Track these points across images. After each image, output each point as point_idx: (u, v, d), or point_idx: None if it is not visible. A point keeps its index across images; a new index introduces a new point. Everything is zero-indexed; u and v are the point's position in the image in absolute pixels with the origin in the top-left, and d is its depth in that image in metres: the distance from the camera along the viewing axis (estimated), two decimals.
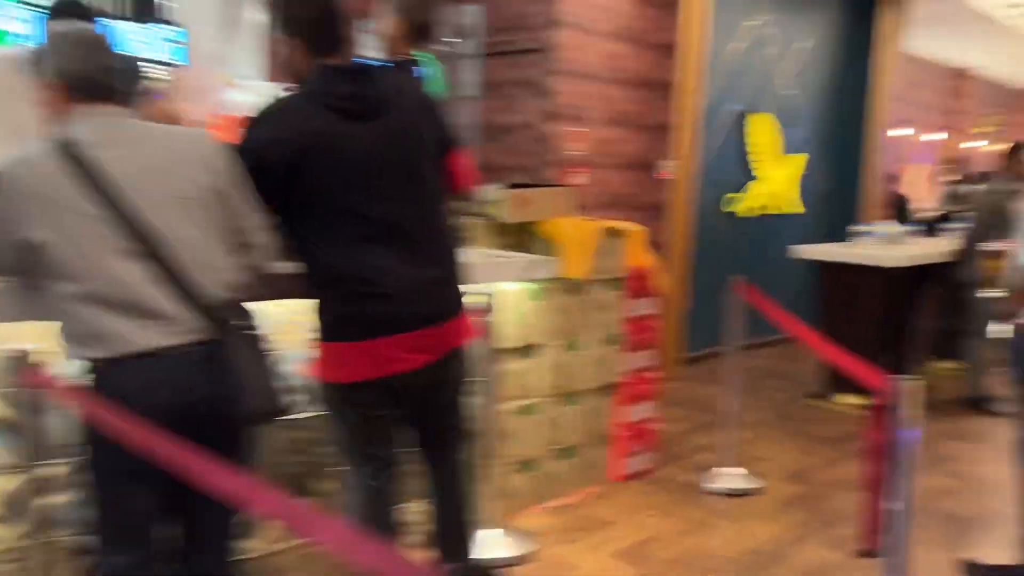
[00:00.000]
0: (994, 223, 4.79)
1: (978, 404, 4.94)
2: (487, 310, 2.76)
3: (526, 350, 3.12)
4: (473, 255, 2.96)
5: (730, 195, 6.16)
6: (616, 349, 3.49)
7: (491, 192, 3.34)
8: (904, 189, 9.25)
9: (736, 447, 3.69)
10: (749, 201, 6.30)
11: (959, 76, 11.58)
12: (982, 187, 5.31)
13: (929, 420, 4.58)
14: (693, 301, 5.58)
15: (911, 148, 10.46)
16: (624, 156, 5.10)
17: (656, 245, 5.18)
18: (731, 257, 6.17)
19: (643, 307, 3.62)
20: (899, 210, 8.75)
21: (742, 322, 3.60)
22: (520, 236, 3.32)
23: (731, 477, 3.57)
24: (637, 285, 3.57)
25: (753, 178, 6.31)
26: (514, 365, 3.08)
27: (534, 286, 3.13)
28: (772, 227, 6.59)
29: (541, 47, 4.54)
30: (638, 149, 5.17)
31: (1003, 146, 5.39)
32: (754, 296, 3.50)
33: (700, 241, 5.65)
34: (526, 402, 3.14)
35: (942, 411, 4.90)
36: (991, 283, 4.93)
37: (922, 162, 10.82)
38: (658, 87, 5.14)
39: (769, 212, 6.49)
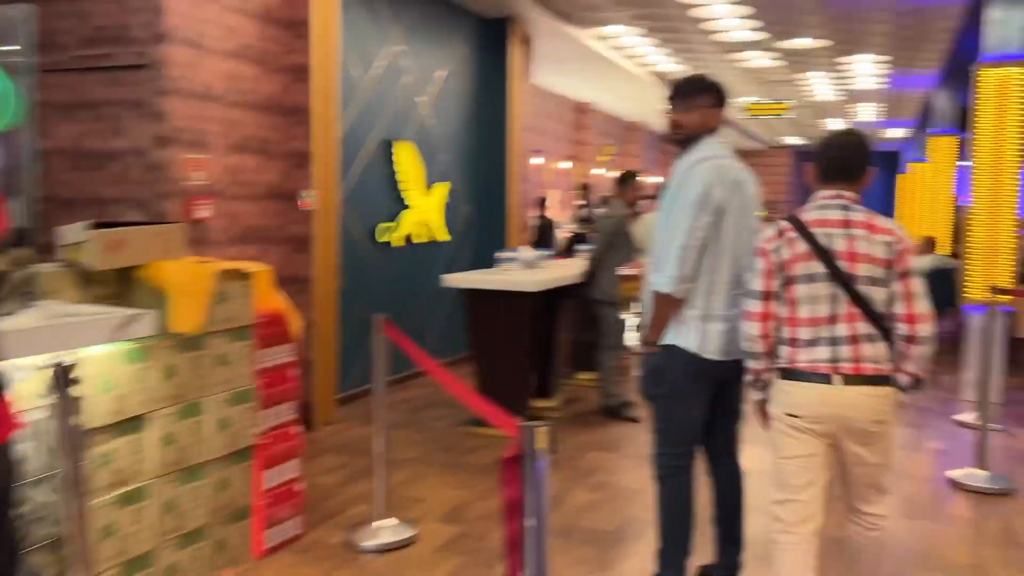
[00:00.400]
0: (614, 244, 5.20)
1: (614, 412, 5.29)
2: (63, 383, 2.19)
3: (125, 425, 2.57)
4: (39, 315, 2.36)
5: (384, 224, 6.01)
6: (247, 407, 3.06)
7: (72, 233, 2.74)
8: (549, 213, 9.98)
9: (391, 493, 3.46)
10: (402, 230, 6.21)
11: (582, 109, 12.88)
12: (602, 211, 5.76)
13: (571, 433, 4.85)
14: (345, 337, 5.31)
15: (548, 175, 11.34)
16: (259, 185, 4.67)
17: (302, 280, 4.83)
18: (386, 288, 6.02)
19: (277, 356, 3.24)
20: (545, 234, 9.40)
21: (387, 361, 3.39)
22: (117, 286, 2.76)
23: (385, 530, 3.32)
24: (268, 332, 3.19)
25: (405, 207, 6.24)
26: (108, 446, 2.51)
27: (132, 346, 2.60)
28: (427, 256, 6.58)
29: (145, 63, 3.95)
30: (275, 178, 4.77)
31: (616, 173, 5.92)
32: (395, 334, 3.31)
33: (350, 273, 5.40)
34: (128, 488, 2.58)
35: (583, 422, 5.18)
36: (629, 304, 5.36)
37: (557, 188, 11.79)
38: (292, 112, 4.80)
39: (420, 241, 6.47)
